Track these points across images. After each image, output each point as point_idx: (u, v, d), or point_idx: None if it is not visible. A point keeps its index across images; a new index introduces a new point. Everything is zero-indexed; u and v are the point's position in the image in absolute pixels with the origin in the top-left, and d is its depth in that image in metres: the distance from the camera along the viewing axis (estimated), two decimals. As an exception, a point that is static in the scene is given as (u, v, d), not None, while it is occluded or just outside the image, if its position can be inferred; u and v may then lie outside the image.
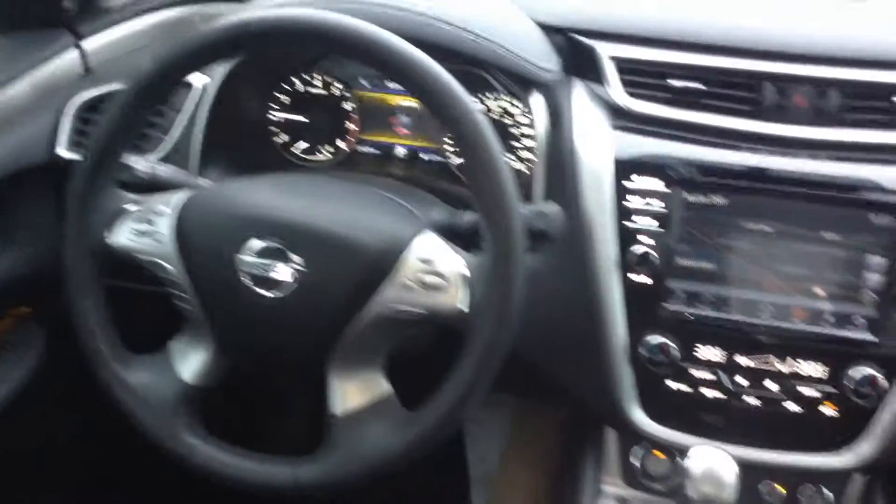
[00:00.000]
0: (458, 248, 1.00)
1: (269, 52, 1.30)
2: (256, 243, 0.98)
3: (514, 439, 1.74)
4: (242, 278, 0.98)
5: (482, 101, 1.31)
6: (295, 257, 0.98)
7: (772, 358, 1.11)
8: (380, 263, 0.97)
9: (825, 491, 1.19)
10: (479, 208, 0.95)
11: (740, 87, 1.12)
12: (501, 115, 1.30)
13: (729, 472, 1.02)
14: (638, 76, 1.16)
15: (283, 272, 0.98)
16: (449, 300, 0.97)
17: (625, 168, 1.13)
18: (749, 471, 1.19)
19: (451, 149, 1.35)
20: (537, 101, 1.19)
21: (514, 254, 0.93)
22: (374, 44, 0.93)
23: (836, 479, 1.19)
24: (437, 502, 1.83)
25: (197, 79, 1.28)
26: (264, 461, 1.03)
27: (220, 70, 1.27)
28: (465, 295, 0.96)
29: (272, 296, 0.98)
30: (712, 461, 1.03)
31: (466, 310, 0.96)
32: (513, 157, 1.28)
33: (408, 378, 1.07)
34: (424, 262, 0.98)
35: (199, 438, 1.05)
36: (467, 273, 0.97)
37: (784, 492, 1.20)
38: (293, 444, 1.10)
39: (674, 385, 1.15)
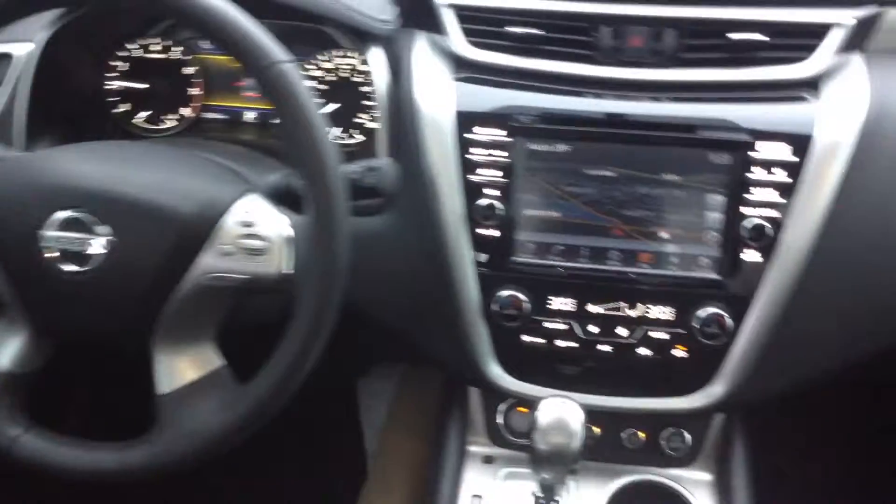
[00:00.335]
0: (286, 209, 0.96)
1: (89, 11, 1.22)
2: (60, 215, 0.92)
3: (398, 405, 1.71)
4: (48, 254, 0.92)
5: (325, 59, 1.27)
6: (102, 228, 0.92)
7: (622, 304, 1.10)
8: (195, 229, 0.93)
9: (685, 433, 1.20)
10: (296, 165, 0.91)
11: (578, 31, 1.10)
12: (347, 73, 1.25)
13: (575, 421, 1.01)
14: (478, 24, 1.13)
15: (92, 245, 0.92)
16: (272, 264, 0.93)
17: (467, 120, 1.10)
18: (609, 418, 1.20)
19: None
20: (376, 55, 1.15)
21: (336, 210, 0.89)
22: None
23: (694, 420, 1.19)
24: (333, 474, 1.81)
25: (17, 48, 1.19)
26: (92, 448, 0.97)
27: (42, 35, 1.19)
28: (290, 257, 0.92)
29: (82, 270, 0.92)
30: (559, 411, 1.02)
31: (291, 272, 0.92)
32: (364, 116, 1.24)
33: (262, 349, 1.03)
34: (245, 225, 0.93)
35: (21, 428, 0.98)
36: (291, 234, 0.93)
37: (644, 437, 1.20)
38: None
39: (528, 338, 1.13)
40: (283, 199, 1.00)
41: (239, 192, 0.96)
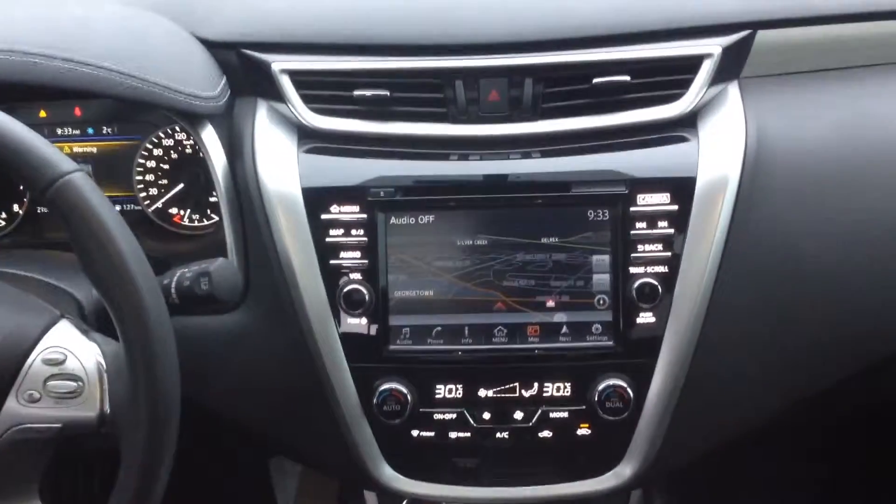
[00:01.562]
0: (101, 336, 0.82)
1: None
2: None
3: (303, 491, 1.57)
4: None
5: (165, 136, 1.14)
6: None
7: (515, 385, 0.99)
8: None
9: (602, 512, 1.10)
10: (96, 289, 0.77)
11: (428, 88, 0.99)
12: (190, 149, 1.12)
13: None
14: (318, 89, 1.00)
15: None
16: (89, 406, 0.80)
17: (316, 197, 0.97)
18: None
19: (145, 193, 1.16)
20: (209, 134, 1.02)
21: (149, 338, 0.76)
22: None
23: (610, 500, 1.09)
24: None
25: None
26: None
27: None
28: (105, 392, 0.79)
29: None
30: None
31: (109, 410, 0.78)
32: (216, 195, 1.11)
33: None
34: (52, 363, 0.80)
35: None
36: (104, 364, 0.79)
37: (559, 523, 1.09)
38: None
39: (417, 433, 1.01)
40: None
41: (46, 323, 0.82)
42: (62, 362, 0.80)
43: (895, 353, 1.00)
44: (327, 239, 0.97)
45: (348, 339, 0.98)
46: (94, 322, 0.92)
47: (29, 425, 0.79)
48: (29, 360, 0.80)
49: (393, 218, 0.97)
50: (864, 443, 1.61)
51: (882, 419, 1.46)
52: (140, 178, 1.17)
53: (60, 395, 0.79)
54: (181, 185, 1.16)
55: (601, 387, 0.97)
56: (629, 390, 0.97)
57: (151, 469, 0.77)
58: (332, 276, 0.97)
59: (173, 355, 0.77)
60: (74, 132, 1.17)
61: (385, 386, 0.99)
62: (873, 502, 1.63)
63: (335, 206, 0.97)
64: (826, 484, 1.64)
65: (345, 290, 0.97)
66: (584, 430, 1.00)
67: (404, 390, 0.98)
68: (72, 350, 0.81)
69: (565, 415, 0.99)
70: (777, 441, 1.54)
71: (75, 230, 0.75)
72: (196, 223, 1.17)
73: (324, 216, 0.97)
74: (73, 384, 0.79)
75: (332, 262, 0.97)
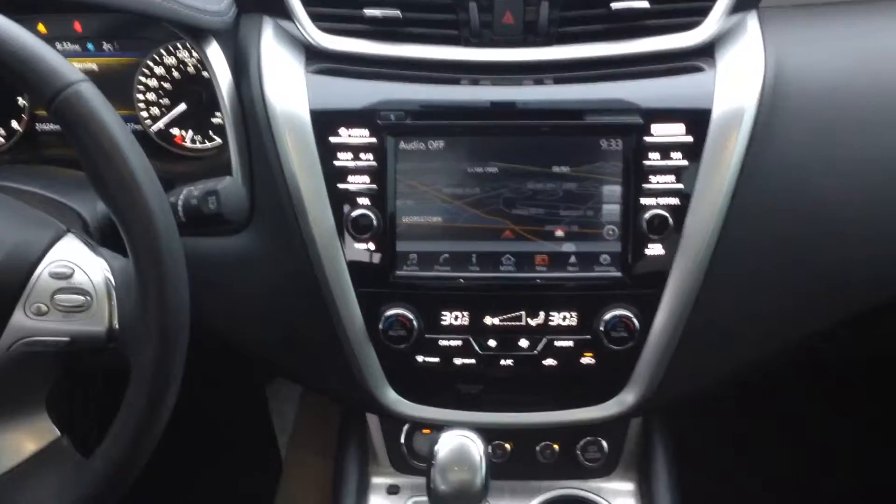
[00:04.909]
0: (108, 251, 0.82)
1: None
2: None
3: (303, 419, 1.59)
4: None
5: (168, 54, 1.11)
6: None
7: (521, 313, 0.99)
8: (2, 288, 0.78)
9: (602, 441, 1.11)
10: (105, 203, 0.76)
11: (442, 8, 0.96)
12: (193, 68, 1.10)
13: (475, 453, 0.90)
14: (328, 6, 0.97)
15: None
16: (98, 320, 0.79)
17: (325, 120, 0.95)
18: (520, 434, 1.10)
19: (147, 113, 1.14)
20: (215, 51, 0.99)
21: (159, 252, 0.75)
22: None
23: (610, 427, 1.10)
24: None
25: None
26: None
27: None
28: (114, 308, 0.78)
29: None
30: (456, 444, 0.90)
31: (118, 326, 0.78)
32: (219, 116, 1.08)
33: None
34: (60, 277, 0.79)
35: None
36: (112, 280, 0.78)
37: (559, 449, 1.11)
38: None
39: (422, 359, 1.01)
40: (117, 230, 0.85)
41: (52, 236, 0.81)
42: (69, 276, 0.79)
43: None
44: (335, 163, 0.96)
45: (355, 265, 0.98)
46: (99, 239, 0.91)
47: (37, 338, 0.79)
48: (36, 274, 0.79)
49: (402, 143, 0.96)
50: (864, 391, 1.64)
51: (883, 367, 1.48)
52: (141, 96, 1.14)
53: (68, 309, 0.79)
54: (183, 105, 1.13)
55: (607, 317, 0.97)
56: (635, 321, 0.97)
57: (161, 384, 0.77)
58: (339, 200, 0.96)
59: (183, 270, 0.77)
60: (74, 48, 1.14)
61: (391, 312, 0.98)
62: (868, 445, 1.67)
63: (344, 129, 0.95)
64: (822, 430, 1.67)
65: (352, 214, 0.96)
66: (588, 359, 1.00)
67: (410, 316, 0.98)
68: (79, 264, 0.80)
69: (570, 344, 0.99)
70: (776, 386, 1.57)
71: (82, 141, 0.73)
72: (198, 145, 1.15)
73: (332, 139, 0.95)
74: (81, 298, 0.79)
75: (339, 186, 0.96)
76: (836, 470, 1.67)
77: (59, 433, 0.85)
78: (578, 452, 1.11)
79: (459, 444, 0.90)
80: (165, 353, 0.76)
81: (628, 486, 1.13)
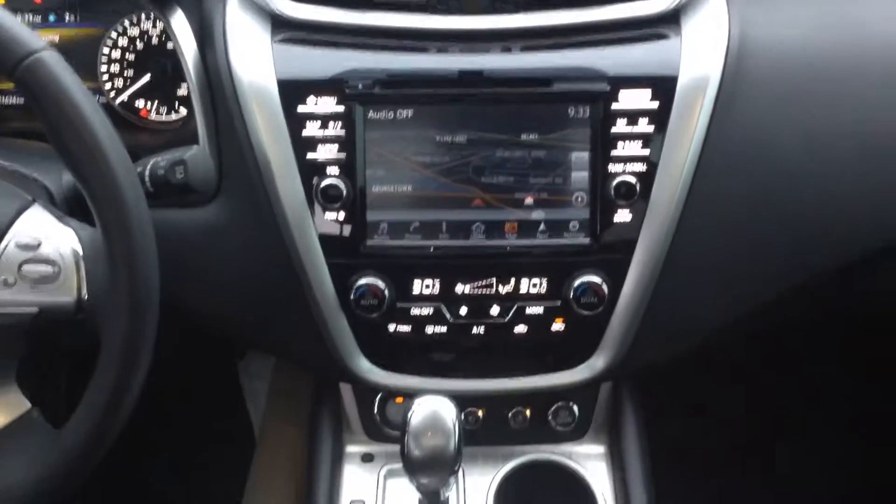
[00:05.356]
0: (75, 221, 0.81)
1: None
2: None
3: (275, 390, 1.59)
4: None
5: (132, 24, 1.09)
6: None
7: (491, 281, 1.00)
8: None
9: (573, 406, 1.13)
10: (71, 172, 0.75)
11: None
12: (157, 38, 1.08)
13: (448, 419, 0.91)
14: None
15: None
16: (66, 291, 0.79)
17: (292, 89, 0.95)
18: (491, 400, 1.11)
19: (110, 85, 1.13)
20: (179, 21, 0.98)
21: (127, 220, 0.74)
22: None
23: (581, 392, 1.12)
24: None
25: None
26: None
27: None
28: (83, 278, 0.78)
29: None
30: (428, 409, 0.91)
31: (87, 297, 0.78)
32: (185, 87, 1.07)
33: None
34: (26, 248, 0.78)
35: None
36: (80, 250, 0.78)
37: (530, 415, 1.12)
38: None
39: (394, 328, 1.02)
40: (83, 202, 0.85)
41: (18, 207, 0.80)
42: (36, 247, 0.78)
43: (870, 252, 1.02)
44: (303, 132, 0.95)
45: (325, 235, 0.98)
46: (66, 210, 0.90)
47: (4, 309, 0.78)
48: (2, 245, 0.78)
49: (371, 112, 0.95)
50: (830, 352, 1.68)
51: (854, 326, 1.52)
52: (105, 68, 1.13)
53: (36, 280, 0.78)
54: (147, 76, 1.12)
55: (577, 283, 0.98)
56: (604, 286, 0.98)
57: (132, 354, 0.77)
58: (308, 170, 0.96)
59: (152, 238, 0.76)
60: (35, 19, 1.12)
61: (362, 281, 0.99)
62: (835, 406, 1.71)
63: (312, 98, 0.94)
64: (791, 394, 1.71)
65: (322, 184, 0.96)
66: (558, 325, 1.01)
67: (381, 285, 0.99)
68: (46, 234, 0.79)
69: (540, 310, 1.00)
70: (747, 349, 1.60)
71: (46, 109, 0.72)
72: (164, 117, 1.14)
73: (300, 109, 0.95)
74: (49, 269, 0.78)
75: (308, 156, 0.96)
76: (805, 432, 1.71)
77: (29, 405, 0.84)
78: (550, 417, 1.12)
79: (432, 410, 0.90)
80: (136, 323, 0.76)
81: (599, 450, 1.15)
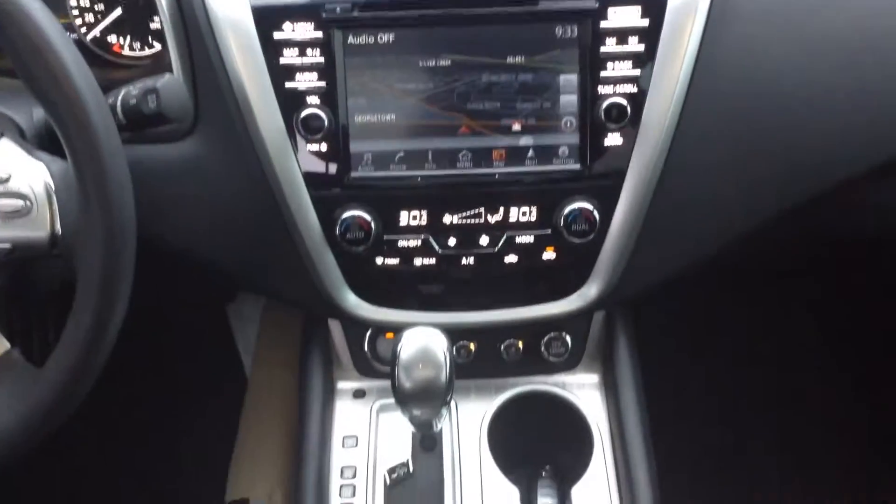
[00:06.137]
0: (46, 154, 0.78)
1: None
2: None
3: (265, 332, 1.58)
4: None
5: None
6: None
7: (480, 210, 0.98)
8: None
9: (565, 336, 1.11)
10: (40, 103, 0.72)
11: None
12: None
13: (439, 350, 0.89)
14: None
15: None
16: (39, 225, 0.76)
17: (269, 15, 0.91)
18: (483, 333, 1.10)
19: (81, 20, 1.08)
20: (147, -56, 0.94)
21: (99, 150, 0.72)
22: None
23: (573, 322, 1.10)
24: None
25: None
26: None
27: None
28: (56, 212, 0.76)
29: None
30: (419, 341, 0.89)
31: (61, 231, 0.75)
32: (157, 21, 1.03)
33: None
34: None
35: None
36: (52, 184, 0.75)
37: (523, 346, 1.11)
38: None
39: (381, 261, 1.00)
40: (55, 137, 0.82)
41: None
42: (6, 180, 0.76)
43: (859, 175, 1.00)
44: (281, 61, 0.92)
45: (308, 167, 0.95)
46: (37, 145, 0.87)
47: None
48: None
49: (351, 37, 0.92)
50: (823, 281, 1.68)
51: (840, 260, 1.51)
52: (75, 2, 1.08)
53: (7, 215, 0.76)
54: (119, 10, 1.08)
55: (567, 210, 0.96)
56: (595, 213, 0.96)
57: (110, 288, 0.74)
58: (287, 100, 0.93)
59: (124, 169, 0.74)
60: None
61: (348, 214, 0.96)
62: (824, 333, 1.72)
63: (288, 24, 0.91)
64: (782, 322, 1.71)
65: (302, 114, 0.92)
66: (549, 254, 0.99)
67: (368, 217, 0.96)
68: (16, 168, 0.77)
69: (531, 239, 0.99)
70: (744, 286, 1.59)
71: (12, 38, 0.69)
72: (137, 52, 1.10)
73: (276, 36, 0.91)
74: (20, 202, 0.76)
75: (287, 85, 0.92)
76: (803, 360, 1.72)
77: (8, 345, 0.83)
78: (543, 348, 1.11)
79: (423, 342, 0.89)
80: (112, 256, 0.74)
81: (593, 379, 1.14)
